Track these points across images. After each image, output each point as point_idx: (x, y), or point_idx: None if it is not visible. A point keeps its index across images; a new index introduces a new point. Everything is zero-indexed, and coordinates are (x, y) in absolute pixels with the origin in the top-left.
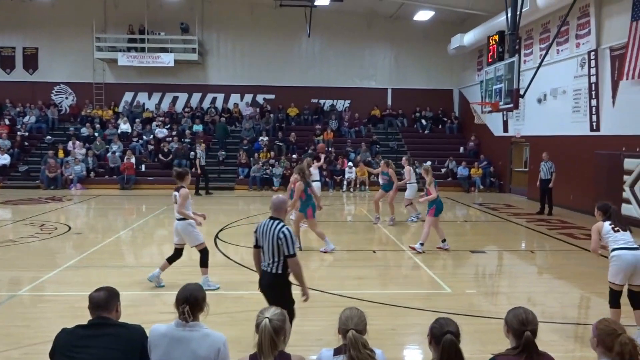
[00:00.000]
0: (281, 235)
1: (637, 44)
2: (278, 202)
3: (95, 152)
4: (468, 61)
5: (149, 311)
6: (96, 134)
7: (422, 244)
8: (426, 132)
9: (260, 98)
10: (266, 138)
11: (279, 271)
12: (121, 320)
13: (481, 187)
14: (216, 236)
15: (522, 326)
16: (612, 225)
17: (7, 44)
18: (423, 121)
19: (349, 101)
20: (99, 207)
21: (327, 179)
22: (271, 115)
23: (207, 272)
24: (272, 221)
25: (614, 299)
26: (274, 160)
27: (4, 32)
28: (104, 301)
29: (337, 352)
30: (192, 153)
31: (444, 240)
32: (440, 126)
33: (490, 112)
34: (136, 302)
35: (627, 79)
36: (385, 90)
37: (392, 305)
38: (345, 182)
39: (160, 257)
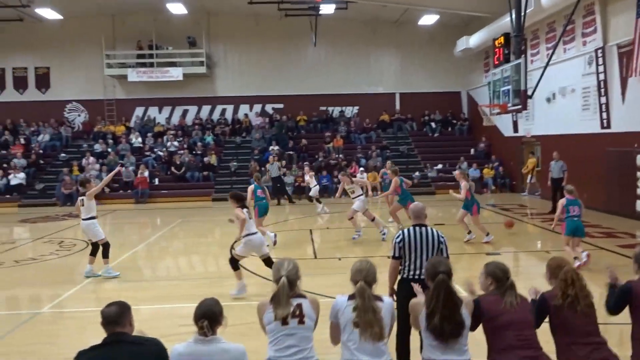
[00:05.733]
0: (442, 240)
1: None
2: (418, 209)
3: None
4: (475, 63)
5: (168, 324)
6: (109, 150)
7: (488, 234)
8: (435, 135)
9: (269, 108)
10: (276, 147)
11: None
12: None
13: (493, 187)
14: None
15: (504, 274)
16: None
17: (19, 65)
18: (432, 124)
19: (357, 107)
20: (115, 222)
21: (338, 185)
22: (275, 125)
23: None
24: (420, 228)
25: None
26: (285, 169)
27: (16, 53)
28: (117, 316)
29: (350, 297)
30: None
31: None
32: (449, 128)
33: (499, 113)
34: (155, 315)
35: (635, 75)
36: (393, 95)
37: None
38: None
39: (176, 270)
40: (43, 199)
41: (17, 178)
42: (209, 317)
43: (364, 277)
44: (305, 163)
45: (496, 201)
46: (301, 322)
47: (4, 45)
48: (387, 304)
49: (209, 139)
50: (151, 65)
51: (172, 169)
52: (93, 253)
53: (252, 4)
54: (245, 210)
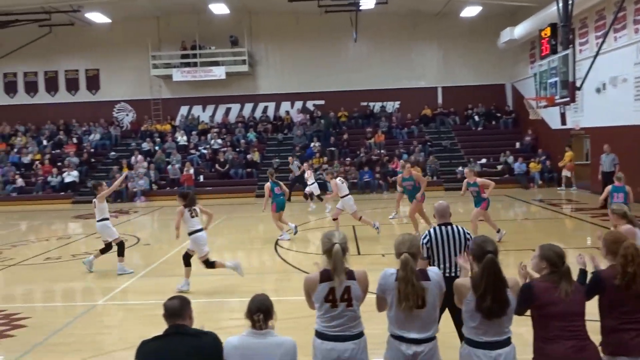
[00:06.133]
0: (468, 236)
1: None
2: (443, 208)
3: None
4: (519, 54)
5: (217, 318)
6: (156, 148)
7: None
8: (479, 128)
9: (310, 104)
10: (318, 144)
11: (457, 273)
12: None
13: (540, 182)
14: (276, 242)
15: (559, 258)
16: None
17: (71, 67)
18: (476, 118)
19: (398, 102)
20: (162, 219)
21: (380, 181)
22: (322, 120)
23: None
24: (446, 227)
25: None
26: (326, 166)
27: (68, 57)
28: (178, 309)
29: (398, 271)
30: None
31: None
32: (493, 122)
33: (545, 106)
34: (205, 309)
35: None
36: (435, 89)
37: None
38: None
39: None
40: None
41: (71, 176)
42: (263, 311)
43: (408, 248)
44: (309, 162)
45: (544, 196)
46: (349, 305)
47: (56, 49)
48: (435, 278)
49: (252, 136)
50: (195, 65)
51: (216, 166)
52: (120, 253)
53: (293, 2)
54: (187, 209)
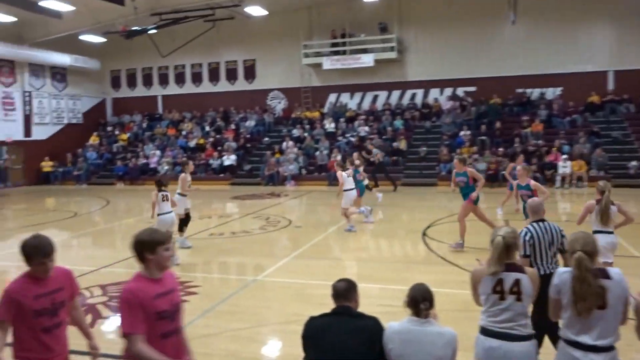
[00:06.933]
0: (563, 233)
1: None
2: (536, 204)
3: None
4: None
5: (366, 303)
6: (306, 134)
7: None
8: None
9: (460, 91)
10: (468, 132)
11: (553, 271)
12: None
13: None
14: (424, 233)
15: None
16: None
17: (231, 58)
18: None
19: (560, 88)
20: (310, 203)
21: (537, 174)
22: (472, 108)
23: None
24: (543, 223)
25: None
26: (477, 155)
27: (229, 48)
28: (345, 291)
29: (572, 270)
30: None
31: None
32: None
33: None
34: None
35: None
36: (605, 73)
37: None
38: (559, 178)
39: (366, 252)
40: (250, 178)
41: (230, 159)
42: (428, 300)
43: (582, 246)
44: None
45: None
46: (519, 299)
47: (219, 42)
48: (616, 277)
49: (399, 123)
50: (344, 53)
51: (363, 153)
52: (181, 228)
53: None
54: (161, 193)
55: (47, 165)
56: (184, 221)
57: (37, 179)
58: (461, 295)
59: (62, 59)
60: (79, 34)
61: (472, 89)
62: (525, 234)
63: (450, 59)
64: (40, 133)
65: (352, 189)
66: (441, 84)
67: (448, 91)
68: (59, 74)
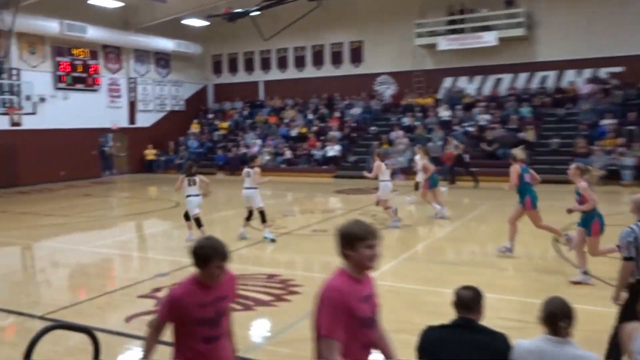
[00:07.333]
0: None
1: None
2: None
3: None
4: None
5: (490, 316)
6: (416, 123)
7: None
8: None
9: (603, 72)
10: (613, 121)
11: None
12: None
13: None
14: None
15: None
16: None
17: (336, 41)
18: None
19: None
20: (419, 200)
21: None
22: (618, 92)
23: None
24: None
25: None
26: (624, 148)
27: (334, 29)
28: (471, 301)
29: None
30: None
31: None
32: None
33: None
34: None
35: None
36: None
37: None
38: None
39: (482, 256)
40: (355, 170)
41: (334, 150)
42: (570, 317)
43: None
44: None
45: None
46: None
47: (323, 23)
48: None
49: (526, 111)
50: (462, 31)
51: (483, 144)
52: (264, 221)
53: None
54: (188, 178)
55: (150, 154)
56: (262, 214)
57: (140, 166)
58: (604, 314)
59: (166, 44)
60: (182, 18)
61: (619, 69)
62: (629, 234)
63: (591, 33)
64: (143, 120)
65: (388, 181)
66: (579, 64)
67: (587, 72)
68: (162, 59)
